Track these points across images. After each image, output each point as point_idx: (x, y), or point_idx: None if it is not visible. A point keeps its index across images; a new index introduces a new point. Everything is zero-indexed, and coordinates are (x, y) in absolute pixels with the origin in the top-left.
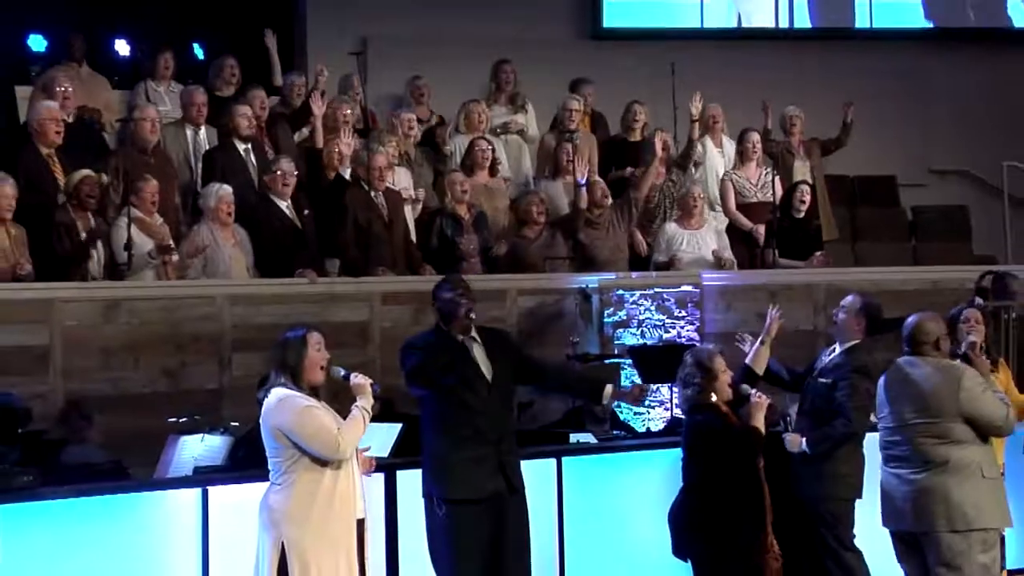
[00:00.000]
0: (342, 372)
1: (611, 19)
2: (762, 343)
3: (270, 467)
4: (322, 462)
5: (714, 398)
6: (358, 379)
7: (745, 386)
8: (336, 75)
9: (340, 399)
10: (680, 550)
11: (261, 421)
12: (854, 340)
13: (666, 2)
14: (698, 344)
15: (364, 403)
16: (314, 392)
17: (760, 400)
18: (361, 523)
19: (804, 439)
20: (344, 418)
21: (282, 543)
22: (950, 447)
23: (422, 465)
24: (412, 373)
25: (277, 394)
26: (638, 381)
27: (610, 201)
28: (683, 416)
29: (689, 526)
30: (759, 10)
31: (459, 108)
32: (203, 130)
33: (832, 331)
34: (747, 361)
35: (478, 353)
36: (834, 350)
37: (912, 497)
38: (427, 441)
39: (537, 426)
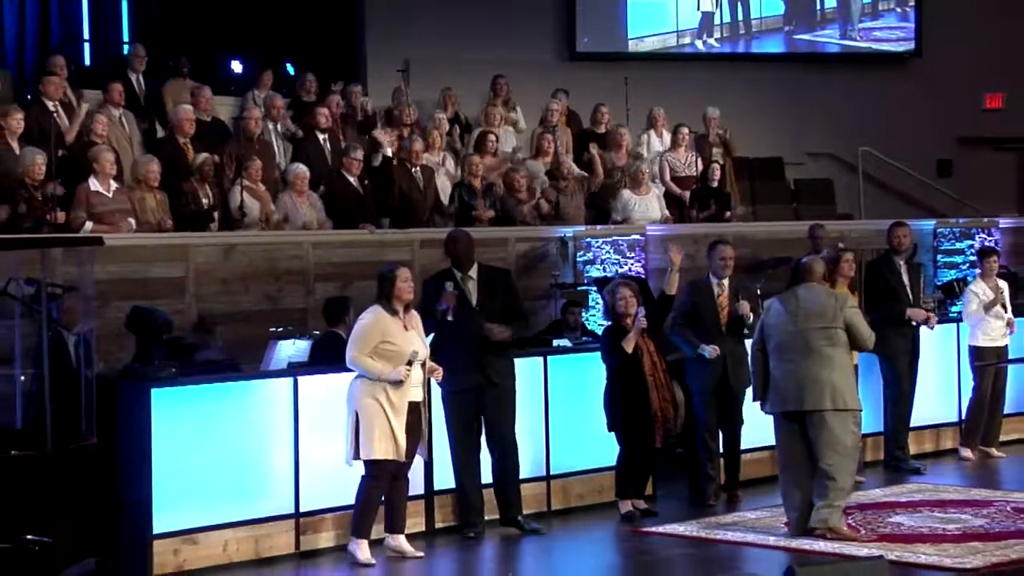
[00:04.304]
0: (409, 359)
1: (583, 45)
2: (672, 271)
3: None
4: (387, 357)
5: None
6: (399, 374)
7: (640, 311)
8: (388, 86)
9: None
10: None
11: None
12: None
13: (624, 32)
14: (626, 276)
15: (394, 375)
16: (405, 308)
17: (639, 323)
18: (417, 404)
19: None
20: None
21: (356, 413)
22: (834, 348)
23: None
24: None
25: (370, 307)
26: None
27: (575, 173)
28: None
29: (604, 406)
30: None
31: (481, 110)
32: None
33: (725, 273)
34: (663, 287)
35: (471, 286)
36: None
37: (804, 383)
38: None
39: (530, 334)
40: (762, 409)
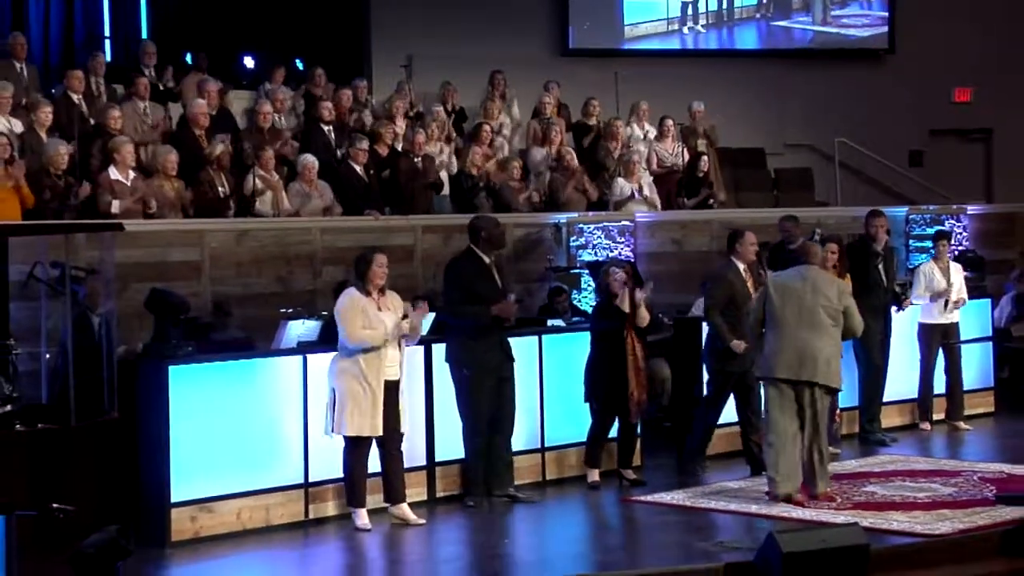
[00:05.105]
0: (411, 307)
1: (575, 42)
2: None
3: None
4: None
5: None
6: (402, 328)
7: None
8: (392, 79)
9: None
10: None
11: None
12: None
13: (615, 28)
14: (616, 259)
15: (394, 332)
16: (380, 291)
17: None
18: (395, 384)
19: None
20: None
21: (334, 390)
22: (836, 328)
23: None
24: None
25: (346, 290)
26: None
27: (575, 163)
28: None
29: (585, 377)
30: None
31: (480, 103)
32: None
33: (752, 258)
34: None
35: (495, 271)
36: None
37: (805, 354)
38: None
39: (528, 315)
40: (755, 375)
